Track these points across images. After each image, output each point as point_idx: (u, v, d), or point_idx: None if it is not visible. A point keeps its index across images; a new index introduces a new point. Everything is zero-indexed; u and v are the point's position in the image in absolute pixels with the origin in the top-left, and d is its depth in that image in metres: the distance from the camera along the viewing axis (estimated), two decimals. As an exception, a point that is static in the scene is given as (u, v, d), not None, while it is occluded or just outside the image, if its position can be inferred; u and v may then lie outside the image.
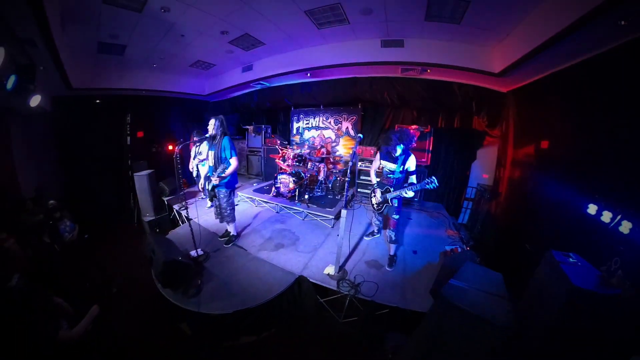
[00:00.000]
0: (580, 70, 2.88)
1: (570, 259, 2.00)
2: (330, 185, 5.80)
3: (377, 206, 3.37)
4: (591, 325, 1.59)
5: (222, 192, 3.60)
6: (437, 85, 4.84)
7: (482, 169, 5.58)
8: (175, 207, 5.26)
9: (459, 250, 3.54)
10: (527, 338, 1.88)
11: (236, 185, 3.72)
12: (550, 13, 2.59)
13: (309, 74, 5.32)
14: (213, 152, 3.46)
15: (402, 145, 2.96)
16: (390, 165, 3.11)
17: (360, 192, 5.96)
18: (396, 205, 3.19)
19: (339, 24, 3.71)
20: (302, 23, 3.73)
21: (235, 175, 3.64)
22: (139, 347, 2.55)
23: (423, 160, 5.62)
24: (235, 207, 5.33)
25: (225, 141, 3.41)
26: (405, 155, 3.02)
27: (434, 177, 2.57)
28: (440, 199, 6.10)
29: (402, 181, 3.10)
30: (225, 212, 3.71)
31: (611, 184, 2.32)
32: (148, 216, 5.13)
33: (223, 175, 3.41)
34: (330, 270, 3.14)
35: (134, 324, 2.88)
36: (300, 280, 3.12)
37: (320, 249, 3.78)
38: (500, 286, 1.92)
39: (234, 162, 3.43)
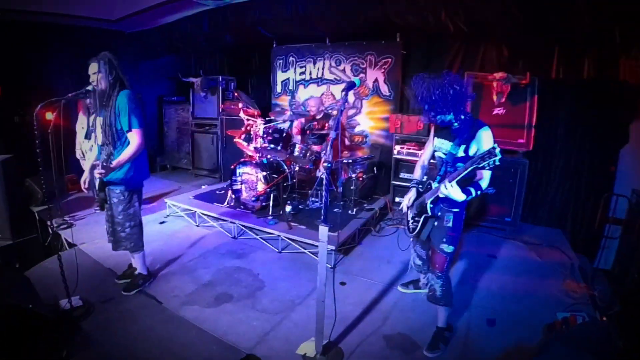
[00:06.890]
0: None
1: None
2: (340, 189, 5.17)
3: (411, 222, 2.87)
4: None
5: (116, 195, 3.20)
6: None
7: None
8: (54, 223, 4.86)
9: (581, 320, 2.87)
10: None
11: (143, 181, 3.50)
12: None
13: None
14: (101, 119, 3.16)
15: (452, 111, 2.38)
16: (447, 146, 2.65)
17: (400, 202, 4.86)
18: (450, 225, 2.59)
19: None
20: None
21: (141, 162, 3.27)
22: None
23: (520, 141, 4.70)
24: (161, 224, 5.14)
25: (122, 100, 3.01)
26: (468, 126, 2.41)
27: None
28: (558, 220, 5.23)
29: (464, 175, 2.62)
30: (123, 232, 3.29)
31: None
32: (-1, 240, 5.35)
33: (113, 164, 3.02)
34: (308, 348, 2.66)
35: None
36: (250, 364, 3.16)
37: (300, 307, 3.32)
38: None
39: (135, 138, 3.05)
